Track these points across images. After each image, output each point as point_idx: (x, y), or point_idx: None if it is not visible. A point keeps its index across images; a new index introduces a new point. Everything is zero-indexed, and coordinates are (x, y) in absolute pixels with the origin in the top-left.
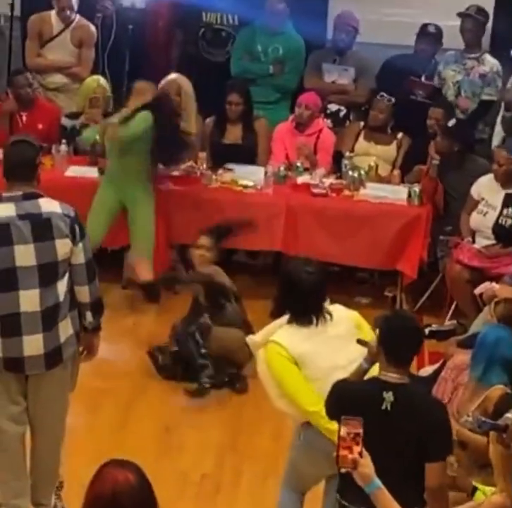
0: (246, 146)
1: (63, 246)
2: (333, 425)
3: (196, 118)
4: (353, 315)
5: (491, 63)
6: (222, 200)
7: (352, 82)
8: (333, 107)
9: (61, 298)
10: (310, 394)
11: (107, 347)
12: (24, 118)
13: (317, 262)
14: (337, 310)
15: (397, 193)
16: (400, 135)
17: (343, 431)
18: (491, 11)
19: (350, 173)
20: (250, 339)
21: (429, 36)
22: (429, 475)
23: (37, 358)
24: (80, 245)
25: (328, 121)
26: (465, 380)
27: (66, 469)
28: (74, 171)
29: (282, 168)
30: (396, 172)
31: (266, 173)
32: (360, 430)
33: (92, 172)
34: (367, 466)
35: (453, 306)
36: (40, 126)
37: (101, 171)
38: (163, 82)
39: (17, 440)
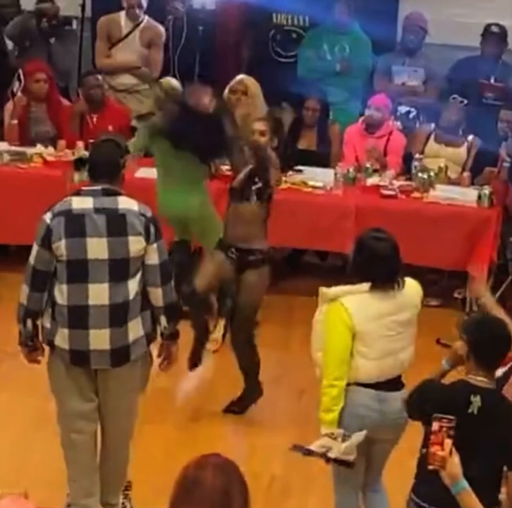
0: (320, 152)
1: (135, 243)
2: (327, 415)
3: None
4: (419, 300)
5: None
6: (292, 200)
7: (422, 83)
8: (403, 109)
9: (131, 296)
10: (340, 369)
11: None
12: (94, 119)
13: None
14: (410, 292)
15: (467, 195)
16: (470, 137)
17: (436, 425)
18: None
19: (420, 174)
20: (322, 290)
21: (493, 35)
22: (511, 483)
23: (103, 353)
24: (155, 245)
25: (398, 123)
26: None
27: (135, 471)
28: (144, 172)
29: (351, 170)
30: (466, 174)
31: (335, 174)
32: (453, 425)
33: None
34: (456, 465)
35: None
36: (110, 128)
37: None
38: (231, 82)
39: (90, 439)
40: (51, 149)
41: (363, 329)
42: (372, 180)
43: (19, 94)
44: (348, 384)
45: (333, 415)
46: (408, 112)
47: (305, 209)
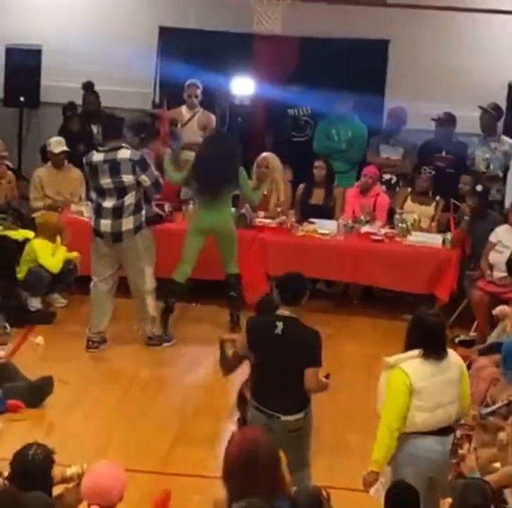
0: (326, 206)
1: (127, 179)
2: (379, 454)
3: (285, 185)
4: (461, 364)
5: (508, 142)
6: (307, 244)
7: (401, 158)
8: (386, 176)
9: (126, 203)
10: (399, 422)
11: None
12: None
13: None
14: (453, 356)
15: (434, 239)
16: (438, 197)
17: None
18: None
19: (400, 224)
20: (385, 359)
21: (440, 121)
22: (307, 379)
23: (107, 234)
24: (143, 176)
25: (383, 187)
26: (484, 375)
27: None
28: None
29: (350, 221)
30: (434, 224)
31: (338, 225)
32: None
33: None
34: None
35: (475, 323)
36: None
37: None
38: (257, 158)
39: (108, 290)
40: None
41: (419, 387)
42: (365, 229)
43: None
44: (407, 434)
45: (383, 455)
46: (390, 179)
47: (316, 249)
